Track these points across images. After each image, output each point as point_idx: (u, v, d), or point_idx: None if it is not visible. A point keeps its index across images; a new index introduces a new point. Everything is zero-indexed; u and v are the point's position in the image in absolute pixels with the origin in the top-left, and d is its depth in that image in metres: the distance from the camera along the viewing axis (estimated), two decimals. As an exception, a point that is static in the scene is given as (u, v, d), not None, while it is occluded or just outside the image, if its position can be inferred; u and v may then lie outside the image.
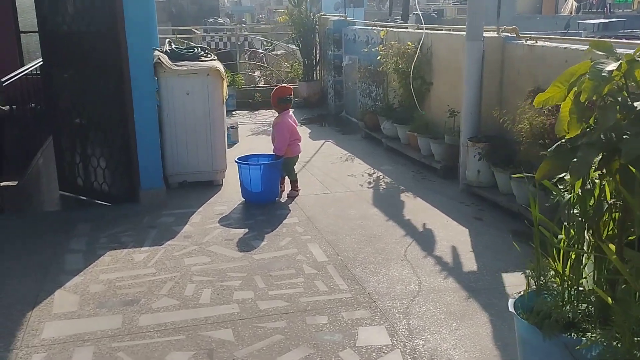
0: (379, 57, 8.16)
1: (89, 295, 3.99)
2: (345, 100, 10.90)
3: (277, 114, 5.94)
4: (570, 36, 11.66)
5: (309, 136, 9.14)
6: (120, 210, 5.60)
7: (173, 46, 6.56)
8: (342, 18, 11.07)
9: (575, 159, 2.19)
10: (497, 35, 5.99)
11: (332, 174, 6.85)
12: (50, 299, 3.95)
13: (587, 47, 2.45)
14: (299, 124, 10.12)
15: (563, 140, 2.41)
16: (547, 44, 5.40)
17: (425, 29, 7.49)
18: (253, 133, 9.22)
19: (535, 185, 2.65)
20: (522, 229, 5.00)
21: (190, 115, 6.17)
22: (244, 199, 5.86)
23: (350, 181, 6.55)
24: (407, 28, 8.61)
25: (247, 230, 5.11)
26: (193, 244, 4.84)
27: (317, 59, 11.92)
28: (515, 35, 5.87)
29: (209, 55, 6.56)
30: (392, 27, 8.38)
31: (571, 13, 32.68)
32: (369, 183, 6.49)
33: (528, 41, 5.61)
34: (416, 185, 6.36)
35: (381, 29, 8.64)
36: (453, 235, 4.94)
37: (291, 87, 5.92)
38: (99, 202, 5.90)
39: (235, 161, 5.80)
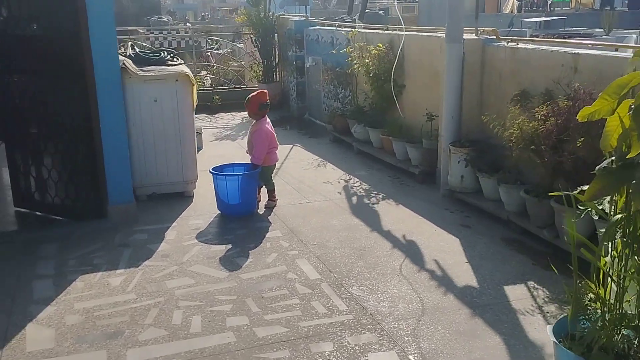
0: (348, 59, 7.96)
1: (66, 329, 3.62)
2: (309, 102, 10.65)
3: (254, 121, 5.64)
4: (515, 35, 11.66)
5: (275, 140, 8.85)
6: (87, 227, 5.19)
7: (137, 50, 6.16)
8: (303, 18, 10.82)
9: (635, 181, 2.01)
10: (476, 37, 5.86)
11: (307, 181, 6.60)
12: (22, 335, 3.56)
13: (630, 54, 2.28)
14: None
15: (612, 159, 2.23)
16: (531, 46, 5.31)
17: (396, 30, 7.33)
18: (217, 138, 8.88)
19: (572, 204, 2.46)
20: (513, 237, 4.89)
21: (159, 124, 5.80)
22: (220, 212, 5.55)
23: (326, 189, 6.32)
24: (365, 28, 8.41)
25: (229, 246, 4.81)
26: (173, 263, 4.50)
27: (277, 60, 11.63)
28: (495, 37, 5.76)
29: (176, 59, 6.20)
30: (361, 28, 8.17)
31: (512, 11, 33.43)
32: (347, 190, 6.28)
33: (509, 43, 5.51)
34: (396, 192, 6.18)
35: (348, 29, 8.43)
36: (444, 245, 4.77)
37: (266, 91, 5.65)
38: (62, 219, 5.46)
39: (210, 172, 5.48)
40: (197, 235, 5.05)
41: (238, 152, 7.91)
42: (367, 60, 7.44)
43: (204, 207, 5.75)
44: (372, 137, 7.56)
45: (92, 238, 4.98)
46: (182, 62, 6.25)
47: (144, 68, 5.80)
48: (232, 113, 10.81)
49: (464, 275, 4.27)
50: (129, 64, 5.70)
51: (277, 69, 11.80)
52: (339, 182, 6.57)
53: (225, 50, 15.49)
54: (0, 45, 5.33)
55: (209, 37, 15.09)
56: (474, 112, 5.82)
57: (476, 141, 5.64)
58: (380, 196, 6.04)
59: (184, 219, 5.44)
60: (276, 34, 11.49)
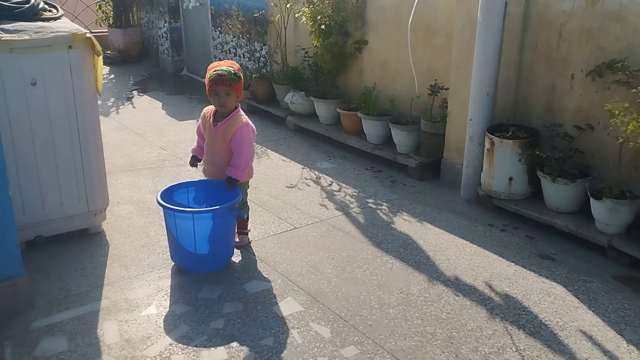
0: (273, 3, 5.88)
1: None
2: (188, 55, 8.30)
3: (226, 107, 3.41)
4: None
5: (167, 114, 6.54)
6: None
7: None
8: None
9: None
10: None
11: (263, 186, 4.59)
12: None
13: None
14: (139, 92, 7.32)
15: None
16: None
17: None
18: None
19: None
20: (627, 274, 3.46)
21: (42, 123, 3.40)
22: (175, 264, 3.42)
23: (298, 198, 4.39)
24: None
25: (228, 348, 2.78)
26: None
27: (134, -4, 8.97)
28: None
29: (55, 11, 3.70)
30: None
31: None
32: (328, 199, 4.40)
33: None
34: (396, 195, 4.45)
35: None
36: (560, 305, 3.18)
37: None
38: None
39: (161, 203, 3.26)
40: (158, 328, 2.91)
41: (131, 139, 5.57)
42: (311, 6, 5.44)
43: (132, 253, 3.56)
44: (321, 111, 5.66)
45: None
46: (62, 13, 3.75)
47: (4, 26, 3.29)
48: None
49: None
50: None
51: (134, 9, 9.12)
52: (307, 185, 4.66)
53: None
54: None
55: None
56: (510, 87, 4.23)
57: (528, 129, 4.06)
58: (384, 206, 4.28)
59: (114, 288, 3.22)
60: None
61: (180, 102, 6.96)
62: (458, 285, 3.29)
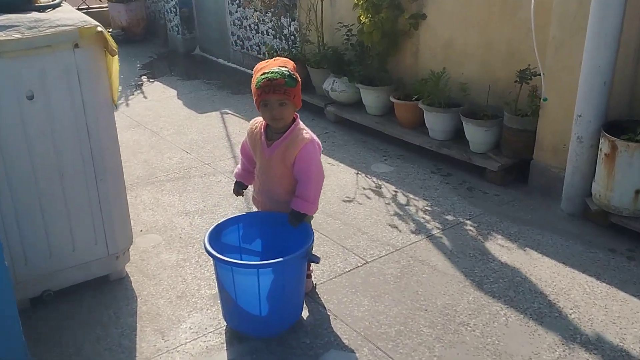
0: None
1: None
2: (201, 32, 7.40)
3: (282, 121, 2.58)
4: None
5: (184, 104, 5.69)
6: None
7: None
8: None
9: None
10: None
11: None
12: None
13: None
14: (148, 78, 6.40)
15: None
16: None
17: None
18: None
19: None
20: None
21: (43, 148, 2.56)
22: (231, 327, 2.63)
23: (362, 218, 3.57)
24: None
25: None
26: None
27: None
28: None
29: (53, -6, 2.82)
30: None
31: None
32: (396, 216, 3.59)
33: None
34: (479, 210, 3.63)
35: None
36: None
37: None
38: None
39: (212, 254, 2.42)
40: None
41: (147, 140, 4.74)
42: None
43: (167, 309, 2.76)
44: (369, 100, 4.81)
45: None
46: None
47: (-14, 20, 2.43)
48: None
49: None
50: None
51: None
52: (367, 197, 3.84)
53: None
54: None
55: None
56: (627, 74, 3.38)
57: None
58: (469, 225, 3.46)
59: (153, 370, 2.43)
60: None
61: (197, 89, 6.09)
62: (603, 349, 2.50)
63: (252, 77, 2.59)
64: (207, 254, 2.43)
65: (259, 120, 2.69)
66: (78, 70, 2.53)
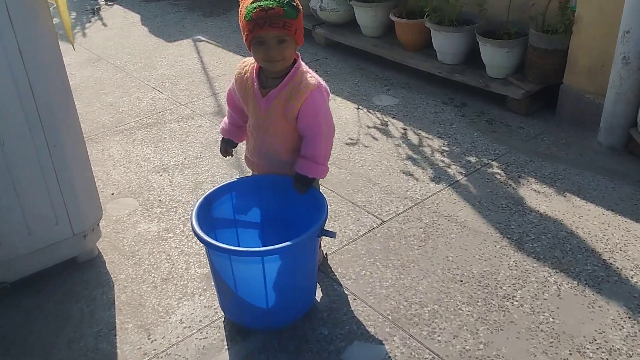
0: None
1: None
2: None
3: (281, 62, 1.95)
4: None
5: (150, 31, 5.00)
6: None
7: None
8: None
9: None
10: None
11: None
12: None
13: None
14: (107, 1, 5.65)
15: None
16: None
17: None
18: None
19: None
20: None
21: (-26, 112, 1.97)
22: (227, 318, 2.16)
23: (371, 165, 3.08)
24: None
25: None
26: None
27: None
28: None
29: None
30: None
31: None
32: (410, 160, 3.10)
33: None
34: (504, 147, 3.16)
35: None
36: None
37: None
38: None
39: (204, 241, 1.90)
40: None
41: (111, 78, 4.11)
42: None
43: (151, 297, 2.28)
44: (364, 20, 4.19)
45: None
46: None
47: None
48: None
49: None
50: None
51: None
52: (373, 138, 3.32)
53: None
54: None
55: None
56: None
57: None
58: (496, 168, 2.99)
59: (141, 384, 1.98)
60: None
61: (164, 12, 5.38)
62: (679, 325, 2.09)
63: None
64: (198, 240, 1.92)
65: (248, 62, 2.10)
66: (7, 6, 1.90)
